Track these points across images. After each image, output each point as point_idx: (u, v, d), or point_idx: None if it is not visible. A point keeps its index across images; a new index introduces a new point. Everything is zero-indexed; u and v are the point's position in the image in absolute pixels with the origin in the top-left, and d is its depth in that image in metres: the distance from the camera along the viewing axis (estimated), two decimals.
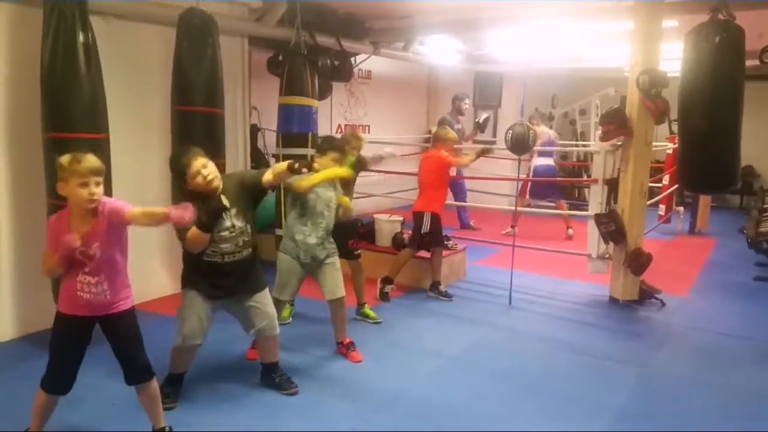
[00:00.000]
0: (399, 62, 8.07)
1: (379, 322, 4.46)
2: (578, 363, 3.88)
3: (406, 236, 5.60)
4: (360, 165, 4.03)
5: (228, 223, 3.00)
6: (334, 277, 3.72)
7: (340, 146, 3.76)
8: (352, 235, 4.53)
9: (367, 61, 7.02)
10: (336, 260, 3.76)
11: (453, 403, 3.29)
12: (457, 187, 7.73)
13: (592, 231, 5.16)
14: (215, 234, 2.97)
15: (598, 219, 4.97)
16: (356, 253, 4.48)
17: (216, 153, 4.29)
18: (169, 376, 3.17)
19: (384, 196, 7.25)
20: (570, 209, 7.62)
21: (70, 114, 3.56)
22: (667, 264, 6.21)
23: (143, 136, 4.50)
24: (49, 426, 2.68)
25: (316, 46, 5.66)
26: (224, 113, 4.47)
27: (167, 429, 2.75)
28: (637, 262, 4.88)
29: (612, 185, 5.13)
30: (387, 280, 5.00)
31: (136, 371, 2.63)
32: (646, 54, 4.71)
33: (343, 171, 3.48)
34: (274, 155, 4.84)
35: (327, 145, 3.74)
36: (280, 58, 5.50)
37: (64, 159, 2.41)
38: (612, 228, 4.86)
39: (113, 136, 3.78)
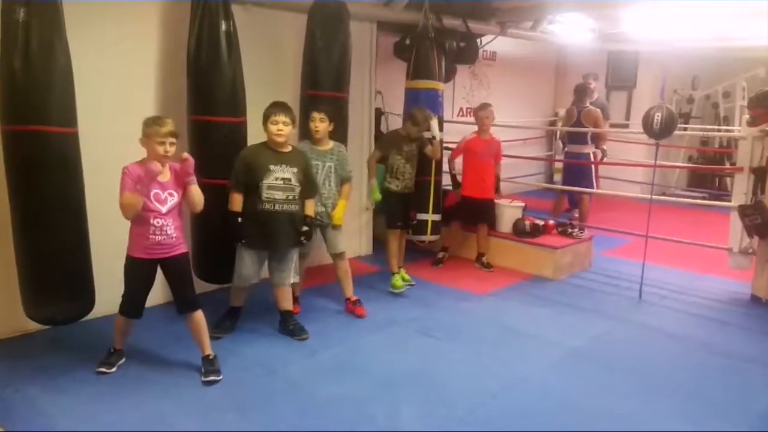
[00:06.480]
0: (526, 42, 7.80)
1: (413, 284, 4.73)
2: (714, 364, 3.65)
3: (527, 222, 5.50)
4: None
5: (286, 175, 3.56)
6: (336, 235, 4.18)
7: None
8: (412, 206, 4.95)
9: (492, 42, 6.88)
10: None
11: (573, 395, 3.21)
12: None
13: (735, 223, 4.81)
14: (271, 181, 3.54)
15: (743, 211, 4.63)
16: (412, 222, 4.98)
17: (341, 136, 4.40)
18: (228, 308, 3.88)
19: (505, 180, 7.10)
20: (710, 199, 7.06)
21: (212, 98, 3.81)
22: None
23: None
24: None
25: (443, 28, 5.64)
26: (348, 97, 4.55)
27: (212, 356, 3.30)
28: None
29: (759, 174, 4.73)
30: (443, 248, 5.61)
31: (185, 303, 3.26)
32: None
33: None
34: None
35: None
36: (407, 42, 5.53)
37: (149, 118, 3.04)
38: (758, 221, 4.54)
39: (250, 119, 3.98)
